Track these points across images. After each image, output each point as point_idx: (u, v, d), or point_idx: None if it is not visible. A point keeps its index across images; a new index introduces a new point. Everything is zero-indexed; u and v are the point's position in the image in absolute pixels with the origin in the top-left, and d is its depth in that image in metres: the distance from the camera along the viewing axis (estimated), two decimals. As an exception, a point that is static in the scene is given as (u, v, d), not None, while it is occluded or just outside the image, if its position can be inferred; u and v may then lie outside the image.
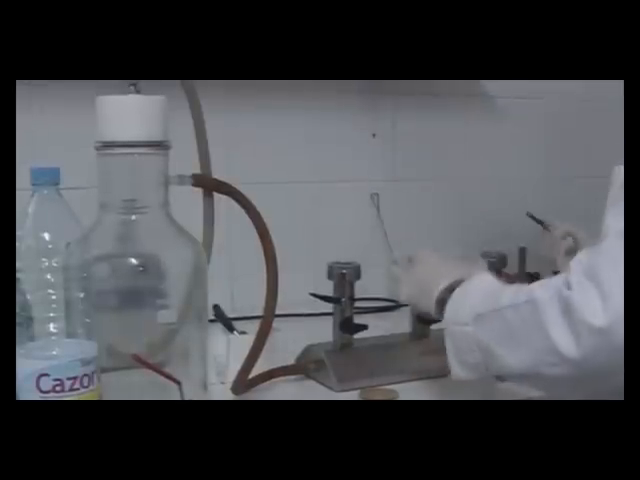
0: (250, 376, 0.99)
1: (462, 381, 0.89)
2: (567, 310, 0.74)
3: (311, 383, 1.09)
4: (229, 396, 0.99)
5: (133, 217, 0.87)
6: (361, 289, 1.15)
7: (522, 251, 1.52)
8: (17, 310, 0.85)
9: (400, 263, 1.05)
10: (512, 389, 0.94)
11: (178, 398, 0.82)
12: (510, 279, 1.33)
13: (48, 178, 1.02)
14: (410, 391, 1.04)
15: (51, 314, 0.99)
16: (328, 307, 1.16)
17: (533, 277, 1.42)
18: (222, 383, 1.03)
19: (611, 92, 0.89)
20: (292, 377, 1.09)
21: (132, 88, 0.86)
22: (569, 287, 0.75)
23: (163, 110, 0.87)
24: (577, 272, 0.76)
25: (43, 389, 0.73)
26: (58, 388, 0.73)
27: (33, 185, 1.02)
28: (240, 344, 1.02)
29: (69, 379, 0.73)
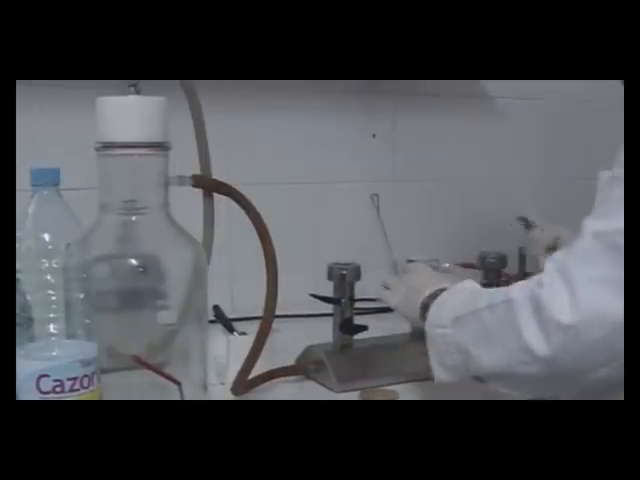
0: (250, 377, 0.99)
1: (444, 384, 0.89)
2: (537, 308, 0.75)
3: (311, 384, 1.09)
4: (229, 397, 0.99)
5: (133, 218, 0.87)
6: (361, 290, 1.15)
7: (522, 251, 1.52)
8: (17, 311, 0.85)
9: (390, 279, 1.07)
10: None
11: (178, 399, 0.82)
12: (510, 279, 1.34)
13: (48, 179, 1.02)
14: (410, 392, 1.04)
15: (51, 315, 0.99)
16: (328, 308, 1.16)
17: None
18: (222, 384, 1.03)
19: (611, 92, 0.89)
20: (292, 378, 1.09)
21: (132, 89, 0.86)
22: (541, 286, 0.76)
23: (163, 111, 0.87)
24: (550, 271, 0.76)
25: (43, 390, 0.73)
26: (58, 389, 0.73)
27: (33, 186, 1.02)
28: (240, 345, 1.02)
29: (69, 380, 0.73)
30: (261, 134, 1.48)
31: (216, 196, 0.96)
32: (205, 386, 0.92)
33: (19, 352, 0.74)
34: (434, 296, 0.93)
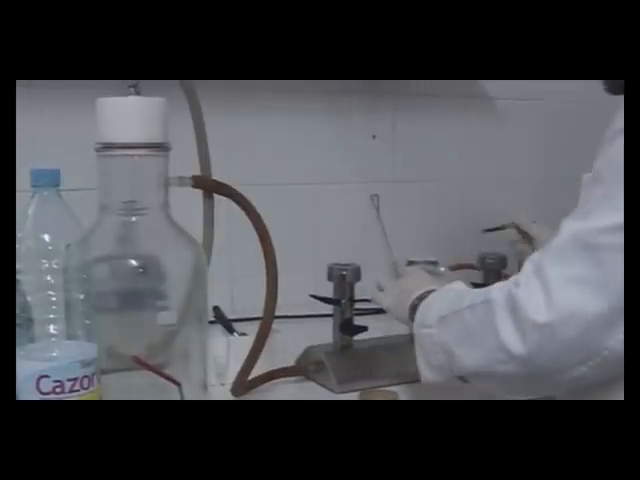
0: (250, 377, 0.99)
1: (430, 384, 0.90)
2: (513, 308, 0.76)
3: (311, 384, 1.09)
4: (229, 397, 0.99)
5: (133, 218, 0.87)
6: (361, 290, 1.15)
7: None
8: (17, 311, 0.85)
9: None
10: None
11: (178, 399, 0.82)
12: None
13: (48, 180, 1.02)
14: (410, 392, 1.04)
15: (51, 315, 0.99)
16: (328, 308, 1.16)
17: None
18: (222, 384, 1.03)
19: (611, 92, 0.89)
20: (292, 378, 1.09)
21: (132, 90, 0.86)
22: (517, 286, 0.76)
23: (163, 112, 0.87)
24: (526, 271, 0.77)
25: (43, 390, 0.73)
26: (58, 389, 0.73)
27: (33, 187, 1.02)
28: (240, 345, 1.02)
29: (69, 380, 0.73)
30: (261, 135, 1.48)
31: (216, 197, 0.96)
32: (205, 387, 0.92)
33: (19, 353, 0.74)
34: (423, 297, 0.94)
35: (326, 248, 1.45)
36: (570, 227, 0.75)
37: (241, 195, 0.96)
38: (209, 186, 0.96)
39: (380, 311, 1.38)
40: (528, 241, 1.33)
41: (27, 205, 1.02)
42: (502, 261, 1.41)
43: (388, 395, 1.02)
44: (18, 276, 0.90)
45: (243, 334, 1.15)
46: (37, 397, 0.73)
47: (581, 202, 0.77)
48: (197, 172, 0.95)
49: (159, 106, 0.87)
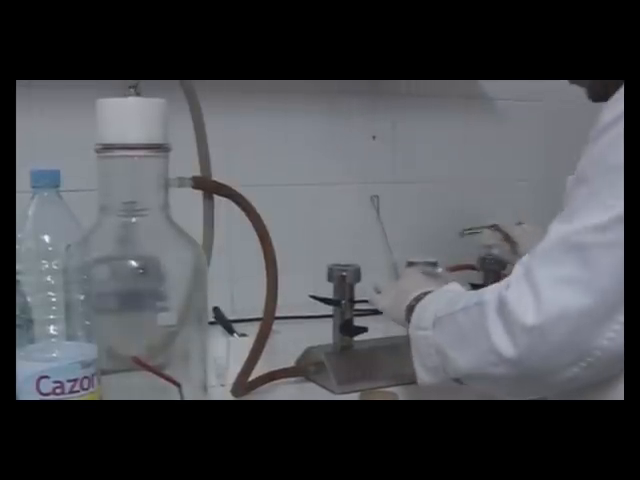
0: (250, 378, 0.99)
1: (427, 386, 0.90)
2: (503, 310, 0.76)
3: (311, 385, 1.09)
4: (229, 398, 0.99)
5: (133, 219, 0.88)
6: (361, 291, 1.15)
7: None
8: (17, 312, 0.85)
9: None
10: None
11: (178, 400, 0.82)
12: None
13: (48, 180, 1.02)
14: (410, 393, 1.04)
15: (51, 316, 0.99)
16: (328, 309, 1.16)
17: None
18: (222, 385, 1.03)
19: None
20: (292, 379, 1.09)
21: (132, 90, 0.86)
22: (507, 288, 0.77)
23: (163, 112, 0.87)
24: (516, 273, 0.77)
25: (43, 391, 0.73)
26: (58, 390, 0.73)
27: (33, 187, 1.02)
28: (240, 346, 1.02)
29: (69, 381, 0.73)
30: (261, 135, 1.48)
31: (216, 197, 0.96)
32: (205, 388, 0.92)
33: (19, 353, 0.74)
34: (419, 299, 0.94)
35: (326, 249, 1.45)
36: (557, 229, 0.76)
37: (241, 196, 0.96)
38: (209, 187, 0.96)
39: (380, 312, 1.39)
40: (509, 243, 1.33)
41: (27, 206, 1.02)
42: (502, 262, 1.41)
43: (388, 396, 1.02)
44: (18, 277, 0.90)
45: (243, 335, 1.15)
46: (37, 398, 0.73)
47: (566, 203, 0.77)
48: (197, 173, 0.95)
49: (159, 107, 0.87)
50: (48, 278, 1.00)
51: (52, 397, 0.73)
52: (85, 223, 0.95)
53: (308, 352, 1.13)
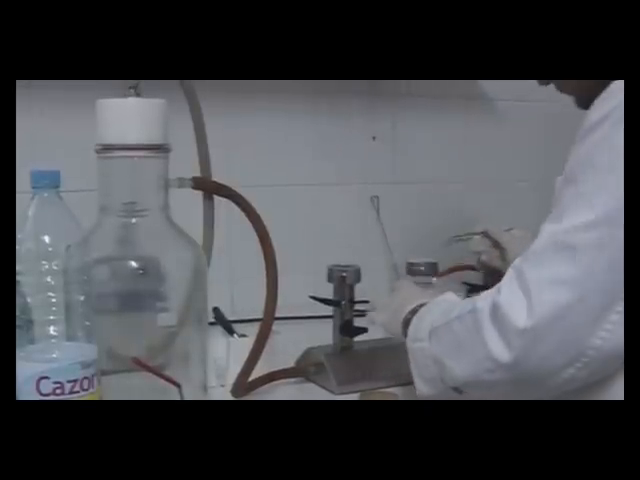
0: (250, 379, 0.99)
1: (426, 397, 0.90)
2: (496, 315, 0.76)
3: (311, 386, 1.09)
4: (229, 399, 0.99)
5: (133, 220, 0.88)
6: (361, 292, 1.15)
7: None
8: (17, 313, 0.85)
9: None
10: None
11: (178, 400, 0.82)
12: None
13: (48, 181, 1.02)
14: (410, 394, 1.03)
15: (51, 317, 0.99)
16: (328, 310, 1.16)
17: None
18: (222, 386, 1.03)
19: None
20: (292, 380, 1.09)
21: (132, 91, 0.86)
22: (499, 293, 0.77)
23: (163, 113, 0.87)
24: (508, 276, 0.77)
25: (43, 392, 0.73)
26: (58, 391, 0.73)
27: (33, 188, 1.02)
28: (240, 347, 1.02)
29: (69, 382, 0.73)
30: (261, 136, 1.48)
31: (216, 198, 0.96)
32: (205, 388, 0.92)
33: (19, 354, 0.74)
34: (415, 311, 0.94)
35: (326, 249, 1.45)
36: (547, 229, 0.76)
37: (241, 196, 0.96)
38: (209, 187, 0.96)
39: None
40: (499, 249, 1.33)
41: (27, 206, 1.02)
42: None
43: (388, 396, 1.02)
44: (18, 277, 0.90)
45: (243, 335, 1.15)
46: (37, 398, 0.73)
47: (555, 204, 0.77)
48: (197, 173, 0.95)
49: (159, 107, 0.87)
50: (48, 279, 1.00)
51: (52, 398, 0.73)
52: (85, 224, 0.95)
53: (308, 353, 1.12)
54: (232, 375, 0.99)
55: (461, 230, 1.47)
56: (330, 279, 1.14)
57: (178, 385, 0.82)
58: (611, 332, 0.71)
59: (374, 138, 1.62)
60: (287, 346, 1.14)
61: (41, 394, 0.73)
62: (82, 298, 0.86)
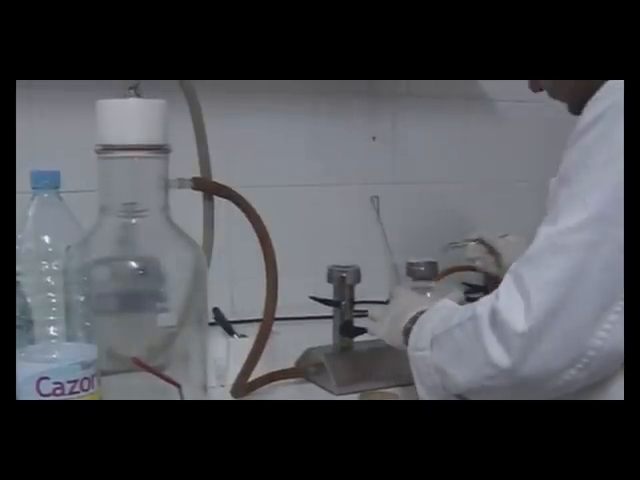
0: (250, 379, 0.99)
1: None
2: (495, 321, 0.76)
3: (311, 386, 1.09)
4: (229, 399, 0.99)
5: (133, 220, 0.88)
6: (361, 292, 1.15)
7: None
8: (17, 313, 0.85)
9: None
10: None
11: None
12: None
13: (48, 181, 1.02)
14: (410, 394, 1.03)
15: (51, 317, 0.99)
16: (328, 310, 1.16)
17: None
18: (222, 386, 1.03)
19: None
20: (292, 380, 1.09)
21: (132, 92, 0.86)
22: (498, 298, 0.77)
23: (163, 114, 0.87)
24: (506, 281, 0.77)
25: (43, 392, 0.73)
26: (58, 391, 0.73)
27: (33, 188, 1.02)
28: (240, 347, 1.02)
29: (69, 382, 0.73)
30: (261, 136, 1.48)
31: (216, 199, 0.96)
32: (205, 388, 0.92)
33: (19, 354, 0.74)
34: (414, 320, 0.93)
35: (326, 250, 1.45)
36: (543, 233, 0.76)
37: (241, 197, 0.96)
38: (209, 188, 0.96)
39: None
40: (494, 256, 1.33)
41: (27, 207, 1.02)
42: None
43: (388, 397, 1.02)
44: (18, 278, 0.90)
45: (243, 336, 1.15)
46: (37, 399, 0.73)
47: (550, 206, 0.77)
48: (197, 174, 0.95)
49: (159, 108, 0.87)
50: (48, 279, 1.00)
51: (52, 398, 0.73)
52: (85, 224, 0.96)
53: (308, 353, 1.12)
54: (232, 375, 0.99)
55: (461, 230, 1.47)
56: (330, 279, 1.14)
57: (178, 385, 0.82)
58: (611, 332, 0.71)
59: (374, 138, 1.62)
60: (287, 346, 1.14)
61: (41, 394, 0.73)
62: (82, 298, 0.86)
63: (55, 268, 0.99)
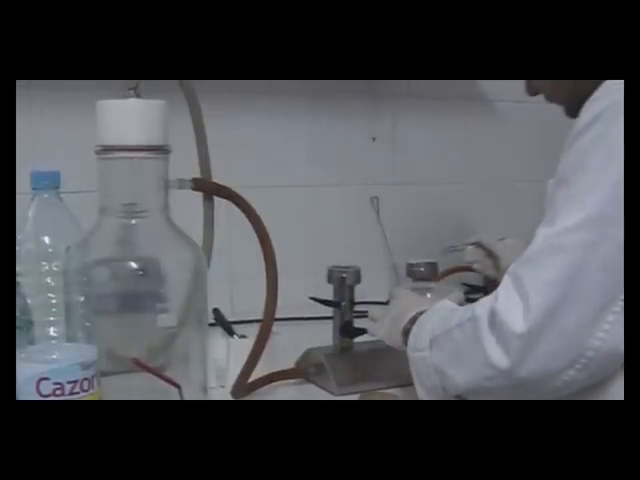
0: (250, 380, 0.99)
1: None
2: (494, 322, 0.76)
3: (311, 387, 1.09)
4: (229, 400, 0.99)
5: (133, 221, 0.88)
6: (361, 293, 1.15)
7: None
8: (17, 314, 0.85)
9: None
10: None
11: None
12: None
13: (48, 182, 1.02)
14: (410, 394, 1.03)
15: (51, 318, 0.99)
16: (328, 311, 1.16)
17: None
18: (222, 387, 1.03)
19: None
20: (292, 381, 1.09)
21: (132, 92, 0.86)
22: (497, 299, 0.77)
23: (163, 114, 0.87)
24: (505, 282, 0.78)
25: (43, 393, 0.73)
26: (58, 392, 0.73)
27: (33, 189, 1.02)
28: (240, 348, 1.02)
29: (69, 383, 0.73)
30: (261, 137, 1.48)
31: (216, 199, 0.96)
32: (205, 389, 0.92)
33: (19, 355, 0.74)
34: (414, 321, 0.93)
35: (326, 250, 1.45)
36: (541, 234, 0.76)
37: (241, 197, 0.96)
38: (209, 188, 0.96)
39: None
40: (492, 259, 1.33)
41: (27, 207, 1.02)
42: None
43: (388, 397, 1.02)
44: (18, 278, 0.90)
45: (243, 336, 1.15)
46: (37, 399, 0.73)
47: (548, 207, 0.78)
48: (197, 174, 0.95)
49: (159, 108, 0.87)
50: (48, 280, 1.00)
51: (52, 399, 0.73)
52: (85, 225, 0.96)
53: (308, 353, 1.12)
54: (232, 376, 0.99)
55: (461, 231, 1.47)
56: (330, 280, 1.14)
57: (178, 386, 0.82)
58: (609, 333, 0.71)
59: (374, 139, 1.62)
60: (287, 347, 1.14)
61: (41, 395, 0.73)
62: (82, 299, 0.86)
63: (55, 269, 0.99)
